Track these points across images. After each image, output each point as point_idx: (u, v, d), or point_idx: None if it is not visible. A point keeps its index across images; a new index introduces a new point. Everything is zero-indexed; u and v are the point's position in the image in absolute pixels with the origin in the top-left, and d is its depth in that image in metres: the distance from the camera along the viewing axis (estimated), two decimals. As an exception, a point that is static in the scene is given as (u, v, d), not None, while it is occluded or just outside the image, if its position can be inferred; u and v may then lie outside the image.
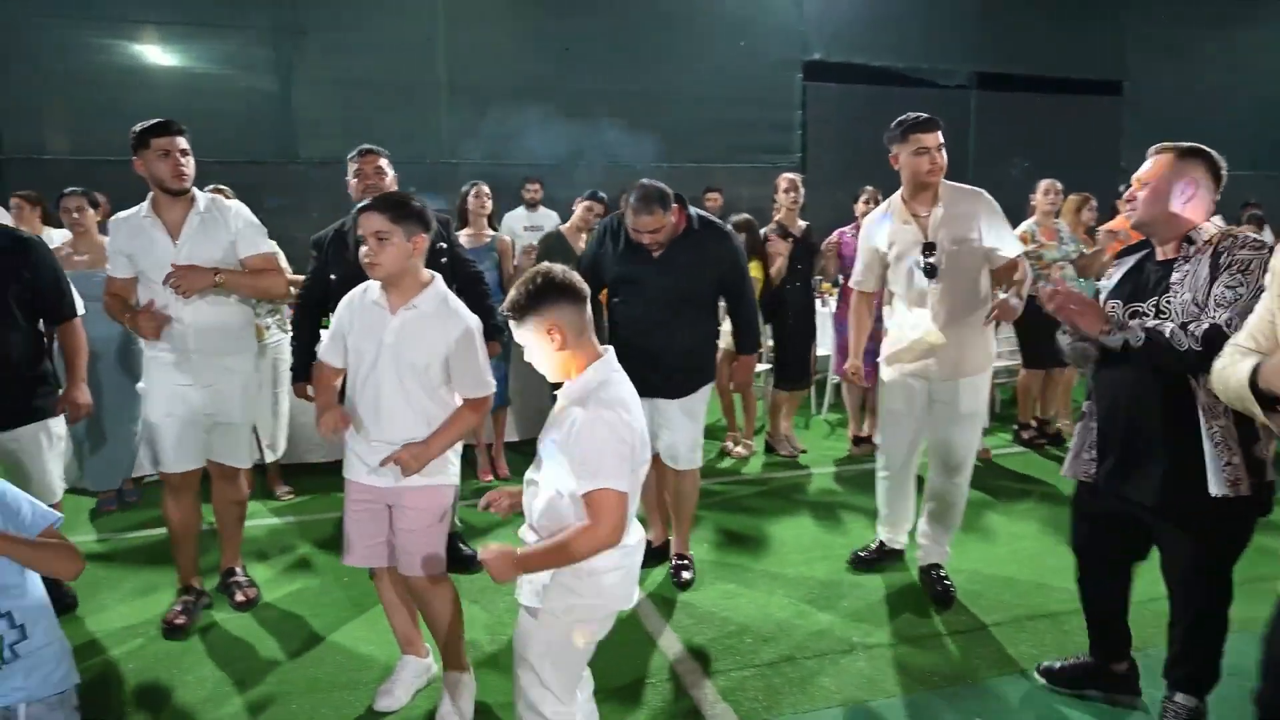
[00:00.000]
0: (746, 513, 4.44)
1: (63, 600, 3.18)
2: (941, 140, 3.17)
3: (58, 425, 3.21)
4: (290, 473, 4.78)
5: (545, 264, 1.99)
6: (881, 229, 3.36)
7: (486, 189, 4.77)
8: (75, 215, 4.36)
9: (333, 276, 3.28)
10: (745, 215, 5.08)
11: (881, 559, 3.68)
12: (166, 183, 3.02)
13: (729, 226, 3.65)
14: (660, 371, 3.32)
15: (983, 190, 3.24)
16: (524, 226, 7.15)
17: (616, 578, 1.98)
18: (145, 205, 3.12)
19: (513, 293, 1.95)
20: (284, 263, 3.88)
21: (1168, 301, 2.28)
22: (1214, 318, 2.14)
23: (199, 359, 3.11)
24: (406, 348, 2.42)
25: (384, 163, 3.48)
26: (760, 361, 5.32)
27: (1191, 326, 2.15)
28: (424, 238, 2.43)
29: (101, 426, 4.29)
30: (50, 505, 2.06)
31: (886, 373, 3.41)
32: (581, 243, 4.79)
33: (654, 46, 8.86)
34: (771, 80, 9.35)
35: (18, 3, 7.33)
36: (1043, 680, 2.80)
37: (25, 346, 3.10)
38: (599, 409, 1.86)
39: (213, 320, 3.12)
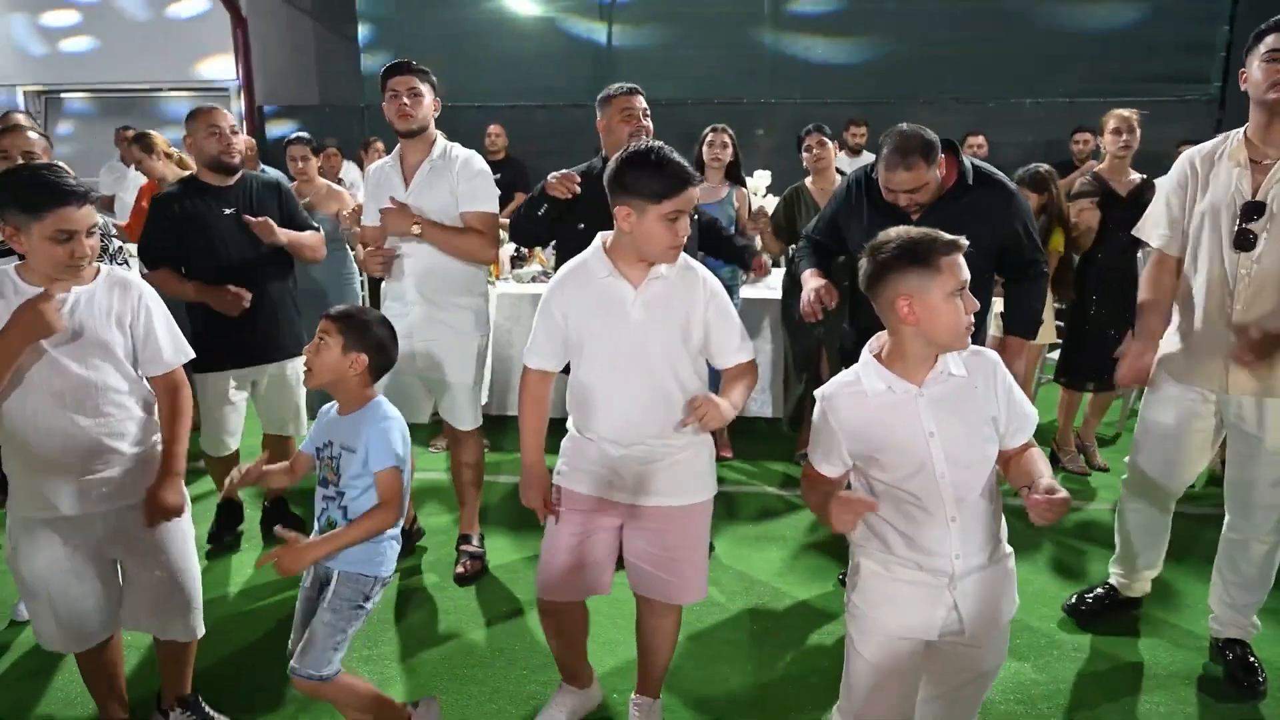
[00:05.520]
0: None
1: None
2: None
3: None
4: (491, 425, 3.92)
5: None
6: (1195, 167, 2.37)
7: (728, 136, 4.15)
8: (300, 164, 4.48)
9: (580, 225, 2.78)
10: (1041, 166, 3.96)
11: (1107, 610, 2.80)
12: (393, 123, 2.93)
13: (1012, 183, 2.67)
14: None
15: None
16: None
17: None
18: (395, 150, 3.05)
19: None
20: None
21: None
22: None
23: (417, 311, 2.99)
24: (662, 321, 1.94)
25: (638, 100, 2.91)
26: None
27: None
28: None
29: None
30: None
31: (1159, 372, 2.52)
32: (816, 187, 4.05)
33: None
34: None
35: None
36: None
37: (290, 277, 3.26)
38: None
39: (432, 275, 2.97)
